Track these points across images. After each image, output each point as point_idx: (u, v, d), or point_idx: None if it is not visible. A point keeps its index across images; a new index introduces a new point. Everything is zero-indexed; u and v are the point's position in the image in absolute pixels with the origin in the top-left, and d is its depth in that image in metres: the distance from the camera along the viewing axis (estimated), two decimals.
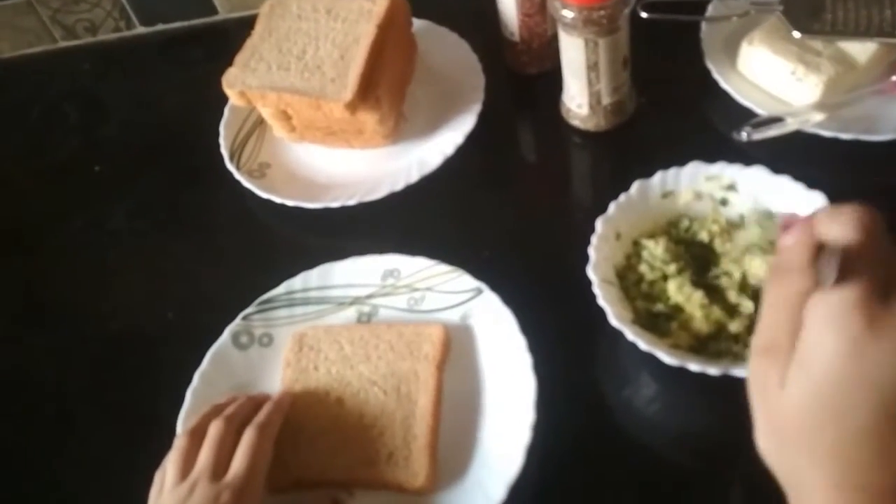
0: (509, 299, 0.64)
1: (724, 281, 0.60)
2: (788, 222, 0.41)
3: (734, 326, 0.59)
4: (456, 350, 0.64)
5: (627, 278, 0.62)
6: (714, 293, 0.60)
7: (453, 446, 0.59)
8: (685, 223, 0.65)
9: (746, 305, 0.59)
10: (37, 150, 0.88)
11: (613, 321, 0.57)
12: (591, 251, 0.60)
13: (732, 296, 0.60)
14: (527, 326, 0.62)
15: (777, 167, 0.63)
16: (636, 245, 0.64)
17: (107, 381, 0.70)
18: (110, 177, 0.84)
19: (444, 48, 0.83)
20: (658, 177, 0.65)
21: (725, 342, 0.59)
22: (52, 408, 0.69)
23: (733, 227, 0.64)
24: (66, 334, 0.73)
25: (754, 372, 0.40)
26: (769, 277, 0.40)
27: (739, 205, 0.64)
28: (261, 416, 0.59)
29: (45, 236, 0.81)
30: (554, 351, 0.61)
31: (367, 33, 0.73)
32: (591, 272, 0.59)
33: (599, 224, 0.62)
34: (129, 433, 0.65)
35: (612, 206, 0.63)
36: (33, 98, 0.93)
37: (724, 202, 0.65)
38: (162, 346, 0.70)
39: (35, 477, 0.65)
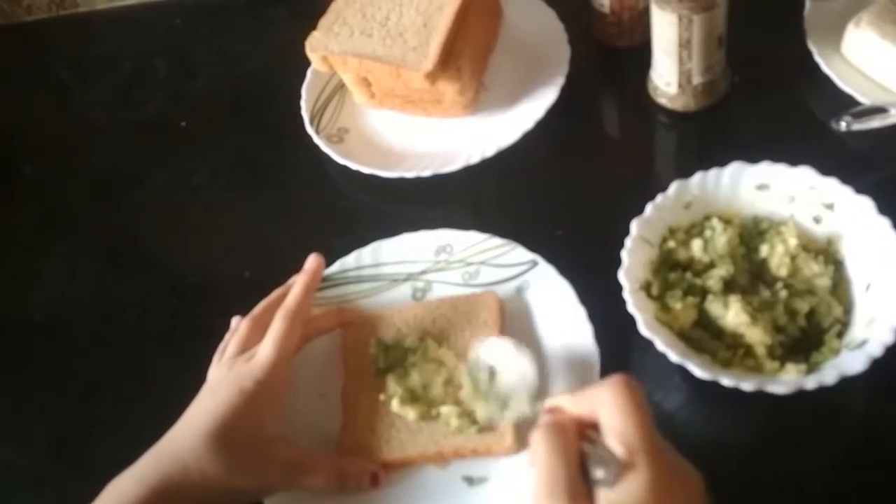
0: (576, 276, 0.63)
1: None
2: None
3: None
4: (514, 322, 0.63)
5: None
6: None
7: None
8: (764, 224, 0.61)
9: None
10: (126, 103, 0.90)
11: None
12: (649, 208, 0.60)
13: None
14: (592, 302, 0.61)
15: (874, 159, 0.59)
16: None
17: (182, 332, 0.71)
18: (195, 133, 0.86)
19: (530, 17, 0.81)
20: (762, 167, 0.61)
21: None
22: (129, 355, 0.71)
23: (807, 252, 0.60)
24: (145, 285, 0.75)
25: None
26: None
27: (831, 228, 0.60)
28: (288, 301, 0.61)
29: (131, 188, 0.82)
30: (619, 330, 0.59)
31: (451, 1, 0.72)
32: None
33: (672, 188, 0.60)
34: (200, 384, 0.67)
35: (695, 177, 0.61)
36: (125, 51, 0.95)
37: (817, 220, 0.61)
38: (237, 303, 0.71)
39: (110, 420, 0.67)
